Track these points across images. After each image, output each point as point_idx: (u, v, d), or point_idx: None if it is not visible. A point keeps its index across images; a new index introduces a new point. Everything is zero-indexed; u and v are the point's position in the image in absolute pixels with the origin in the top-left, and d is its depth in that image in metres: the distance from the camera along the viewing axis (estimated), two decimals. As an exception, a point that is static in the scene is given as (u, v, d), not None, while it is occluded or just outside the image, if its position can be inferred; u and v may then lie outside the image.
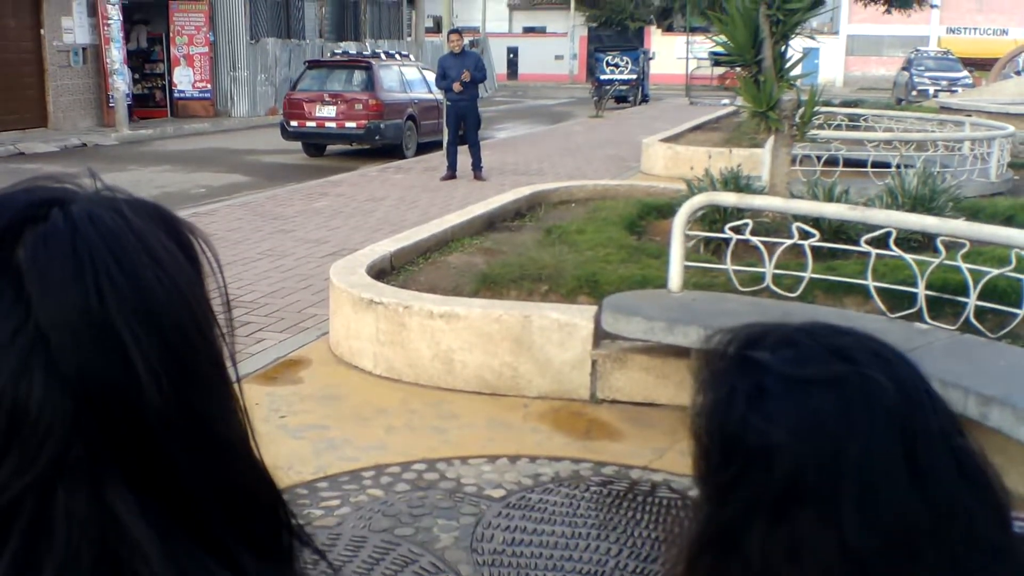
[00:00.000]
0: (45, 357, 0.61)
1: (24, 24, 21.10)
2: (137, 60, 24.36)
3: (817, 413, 0.86)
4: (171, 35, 25.19)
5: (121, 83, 21.29)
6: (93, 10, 22.18)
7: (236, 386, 0.71)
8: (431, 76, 19.58)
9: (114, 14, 20.99)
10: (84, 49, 22.46)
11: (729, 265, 5.64)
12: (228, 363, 0.71)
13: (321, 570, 0.76)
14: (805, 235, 5.47)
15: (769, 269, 5.45)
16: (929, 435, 0.86)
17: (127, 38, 23.23)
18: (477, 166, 14.03)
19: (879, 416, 0.85)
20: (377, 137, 17.23)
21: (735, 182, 7.31)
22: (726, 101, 27.51)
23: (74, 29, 22.15)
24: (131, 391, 0.62)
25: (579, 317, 5.38)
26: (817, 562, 0.85)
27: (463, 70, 13.67)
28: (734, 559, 0.88)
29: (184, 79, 25.36)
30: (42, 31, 21.42)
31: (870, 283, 5.21)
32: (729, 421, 0.89)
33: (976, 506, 0.87)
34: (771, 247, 5.54)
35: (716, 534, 0.90)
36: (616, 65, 33.23)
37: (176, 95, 25.37)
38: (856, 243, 5.47)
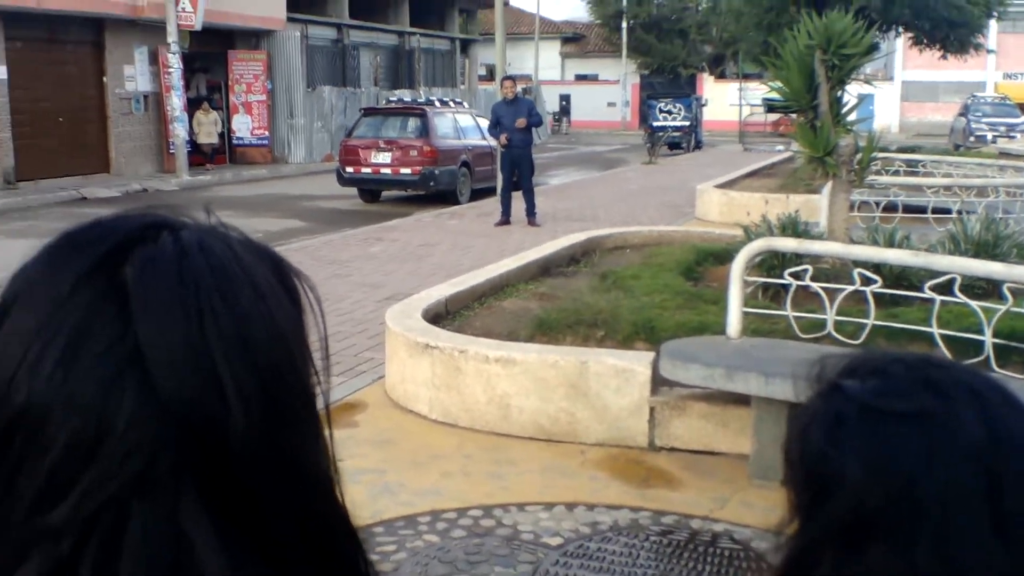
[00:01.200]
0: (139, 375, 0.61)
1: (87, 71, 21.70)
2: (196, 107, 24.87)
3: (893, 447, 0.83)
4: (230, 83, 25.72)
5: (181, 130, 21.74)
6: (154, 58, 22.74)
7: (326, 431, 0.71)
8: (484, 123, 19.81)
9: (175, 63, 21.48)
10: (145, 97, 23.00)
11: (789, 311, 5.56)
12: (320, 405, 0.70)
13: None
14: (867, 281, 5.39)
15: (831, 315, 5.37)
16: (1019, 480, 0.82)
17: (187, 86, 23.75)
18: (531, 212, 14.05)
19: (961, 456, 0.82)
20: (432, 183, 17.37)
21: (793, 227, 7.24)
22: (780, 147, 27.43)
23: (136, 77, 22.72)
24: (219, 419, 0.62)
25: (636, 363, 5.33)
26: None
27: (516, 117, 13.74)
28: None
29: (243, 126, 25.84)
30: (105, 79, 22.00)
31: (935, 330, 5.10)
32: (809, 447, 0.88)
33: None
34: (831, 293, 5.46)
35: (795, 558, 0.89)
36: (669, 112, 33.28)
37: (235, 142, 25.85)
38: (919, 289, 5.38)
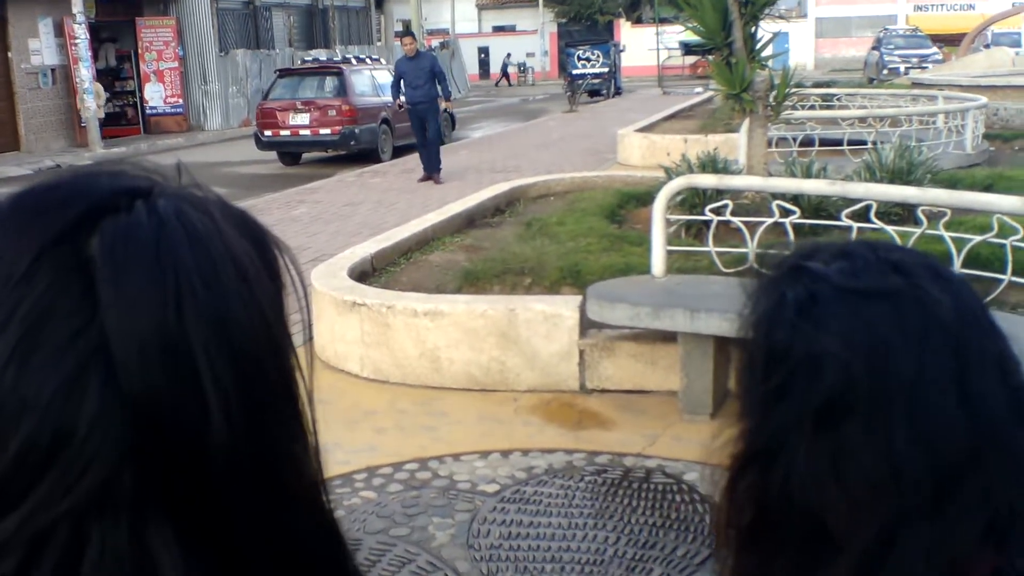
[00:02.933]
0: (105, 370, 0.53)
1: (-10, 47, 20.95)
2: (106, 79, 24.18)
3: (870, 324, 0.83)
4: (140, 52, 25.03)
5: (91, 102, 21.14)
6: (60, 30, 22.03)
7: (310, 421, 0.64)
8: (403, 79, 19.65)
9: (81, 33, 20.83)
10: (53, 70, 22.30)
11: (712, 247, 5.62)
12: (303, 394, 0.63)
13: None
14: (786, 213, 5.45)
15: (752, 248, 5.43)
16: (983, 358, 0.84)
17: (95, 57, 23.06)
18: (435, 168, 13.72)
19: (934, 332, 0.83)
20: (352, 142, 17.17)
21: (712, 165, 7.29)
22: (699, 89, 27.60)
23: (41, 50, 21.99)
24: (196, 420, 0.55)
25: (564, 308, 5.35)
26: (862, 475, 0.82)
27: (419, 73, 13.53)
28: (775, 474, 0.86)
29: (155, 95, 25.20)
30: (9, 54, 21.25)
31: (853, 257, 5.19)
32: (777, 329, 0.87)
33: (1022, 438, 0.84)
34: (752, 227, 5.52)
35: (758, 450, 0.88)
36: (587, 59, 33.24)
37: (148, 112, 25.22)
38: (837, 218, 5.46)
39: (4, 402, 0.53)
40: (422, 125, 13.67)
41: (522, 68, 47.66)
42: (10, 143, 21.04)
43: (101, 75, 23.26)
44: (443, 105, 14.06)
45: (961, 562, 0.82)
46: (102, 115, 21.87)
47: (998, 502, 0.82)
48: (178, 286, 0.55)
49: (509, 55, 48.52)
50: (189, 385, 0.55)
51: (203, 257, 0.57)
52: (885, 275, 0.86)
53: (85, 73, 21.16)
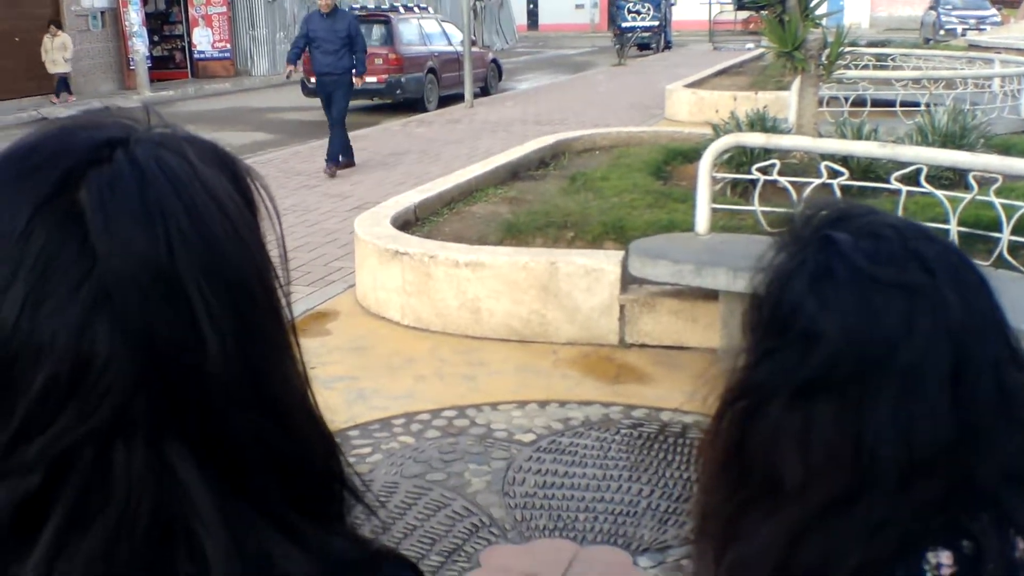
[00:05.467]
0: (110, 311, 0.58)
1: (42, -11, 21.07)
2: (156, 22, 24.26)
3: (876, 314, 0.84)
4: (189, -5, 25.07)
5: (141, 45, 21.24)
6: (110, -28, 22.11)
7: (293, 337, 0.68)
8: (451, 29, 19.52)
9: (131, -25, 20.90)
10: (102, 13, 22.41)
11: (757, 206, 5.57)
12: (286, 313, 0.68)
13: (372, 526, 0.74)
14: (834, 174, 5.39)
15: (797, 209, 5.37)
16: (981, 364, 0.85)
17: (144, 1, 23.13)
18: (334, 157, 10.89)
19: (939, 334, 0.84)
20: (398, 91, 17.14)
21: (761, 123, 7.21)
22: (750, 45, 27.16)
23: (92, -8, 22.09)
24: (195, 349, 0.60)
25: (606, 262, 5.35)
26: (824, 449, 0.85)
27: (333, 36, 10.70)
28: (758, 419, 0.89)
29: (203, 40, 25.25)
30: (61, -5, 21.37)
31: (901, 220, 5.13)
32: (789, 292, 0.88)
33: (1006, 435, 0.86)
34: (799, 187, 5.47)
35: (743, 392, 0.91)
36: (638, 12, 32.77)
37: (196, 56, 25.30)
38: (886, 181, 5.39)
39: (24, 347, 0.58)
40: (328, 100, 10.94)
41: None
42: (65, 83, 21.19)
43: (150, 18, 23.35)
44: (356, 82, 11.03)
45: (913, 540, 0.84)
46: (66, 69, 19.61)
47: (969, 493, 0.84)
48: (166, 228, 0.59)
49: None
50: (185, 318, 0.60)
51: (185, 198, 0.61)
52: (906, 268, 0.86)
53: (134, 16, 21.27)
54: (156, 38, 24.32)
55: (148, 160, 0.61)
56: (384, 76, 16.97)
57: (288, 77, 12.00)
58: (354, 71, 10.95)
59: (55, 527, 0.58)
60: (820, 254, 0.88)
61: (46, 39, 19.48)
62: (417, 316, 5.72)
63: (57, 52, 19.41)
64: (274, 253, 0.69)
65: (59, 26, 19.65)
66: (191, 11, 25.12)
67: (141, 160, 0.61)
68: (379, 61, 17.04)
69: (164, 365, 0.59)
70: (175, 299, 0.59)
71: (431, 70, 17.74)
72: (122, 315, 0.58)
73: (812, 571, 0.85)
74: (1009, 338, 0.88)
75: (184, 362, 0.60)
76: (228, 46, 25.37)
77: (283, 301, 0.68)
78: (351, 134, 13.75)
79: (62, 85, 19.64)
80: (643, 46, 31.49)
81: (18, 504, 0.58)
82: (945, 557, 0.84)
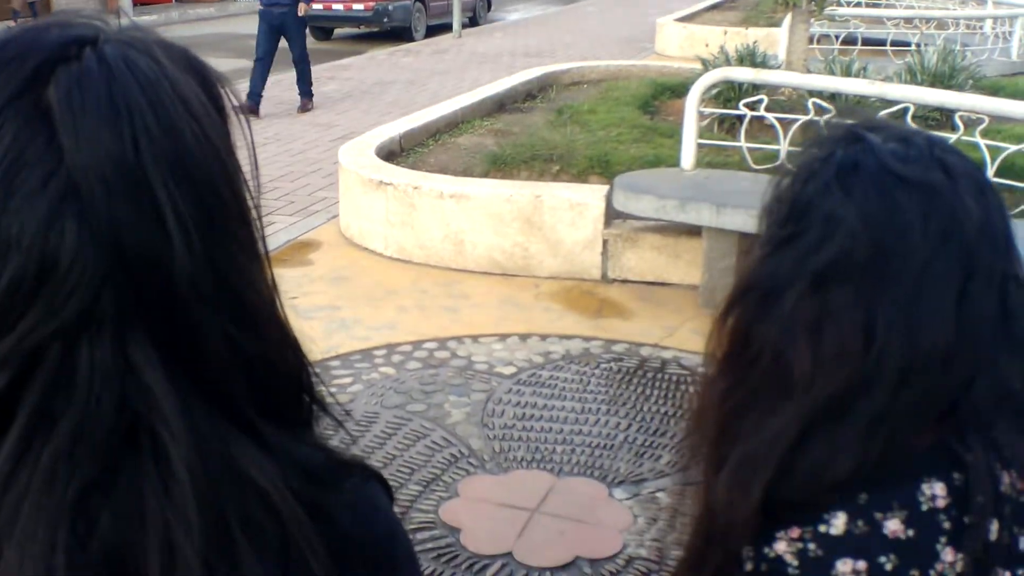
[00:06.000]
0: (77, 207, 0.58)
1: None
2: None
3: (897, 208, 0.87)
4: (173, -84, 24.53)
5: (124, -34, 20.83)
6: None
7: (262, 245, 0.69)
8: (440, -45, 19.14)
9: None
10: (85, -69, 21.92)
11: (743, 143, 5.55)
12: (255, 221, 0.68)
13: (339, 439, 0.74)
14: (821, 111, 5.36)
15: (784, 146, 5.36)
16: (989, 273, 0.88)
17: (128, -81, 22.61)
18: (306, 91, 10.41)
19: (954, 236, 0.87)
20: (385, 19, 16.89)
21: (751, 59, 7.15)
22: (743, -20, 26.82)
23: (74, -90, 21.59)
24: (161, 247, 0.60)
25: (590, 196, 5.33)
26: (836, 339, 0.87)
27: None
28: (764, 311, 0.91)
29: (188, -38, 24.77)
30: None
31: (886, 160, 5.12)
32: (813, 183, 0.91)
33: (1004, 353, 0.88)
34: (786, 124, 5.44)
35: (753, 284, 0.93)
36: (630, -56, 32.29)
37: (180, -21, 24.82)
38: (873, 119, 5.36)
39: None
40: (274, 36, 10.07)
41: None
42: (42, 7, 20.83)
43: (134, -62, 22.84)
44: (301, 8, 10.09)
45: (903, 437, 0.87)
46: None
47: (962, 399, 0.87)
48: (132, 126, 0.59)
49: None
50: (151, 216, 0.59)
51: (151, 96, 0.61)
52: (931, 170, 0.89)
53: (117, -64, 20.79)
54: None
55: (116, 59, 0.61)
56: (371, 3, 16.74)
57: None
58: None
59: (20, 426, 0.59)
60: (849, 148, 0.91)
61: None
62: (400, 247, 5.71)
63: None
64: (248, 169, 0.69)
65: None
66: (175, -68, 24.60)
67: (109, 58, 0.61)
68: (366, -12, 16.80)
69: (130, 262, 0.59)
70: (141, 196, 0.59)
71: (419, -2, 17.48)
72: (89, 211, 0.58)
73: (814, 469, 0.87)
74: (1016, 260, 0.91)
75: (150, 259, 0.60)
76: (213, -31, 24.89)
77: (253, 209, 0.67)
78: (335, 62, 13.55)
79: (32, 11, 17.96)
80: (635, -22, 31.05)
81: None
82: (939, 488, 0.86)
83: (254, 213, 0.68)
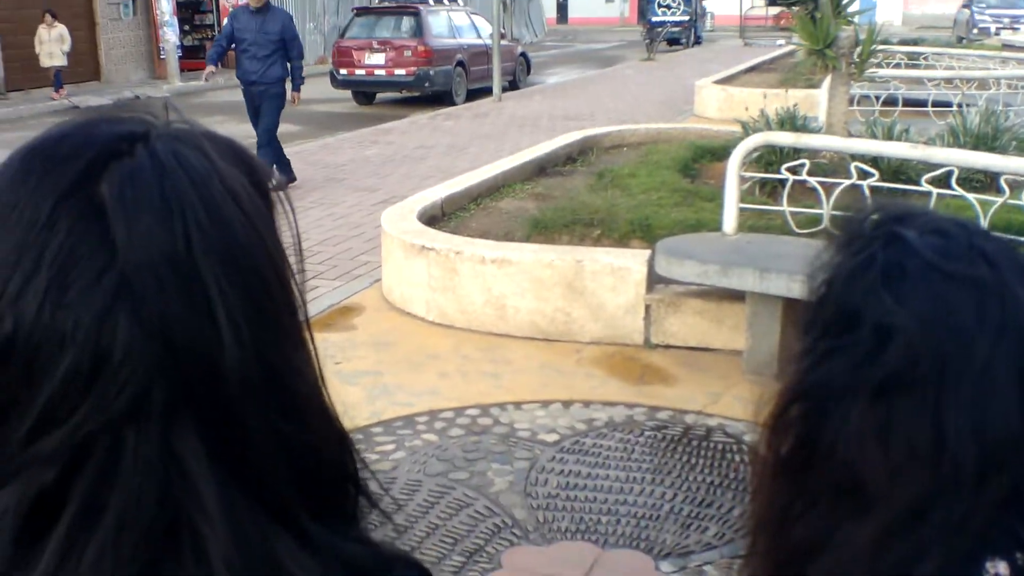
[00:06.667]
0: (130, 301, 0.59)
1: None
2: (186, 11, 24.39)
3: (951, 308, 0.85)
4: (220, -15, 25.18)
5: (171, 35, 21.37)
6: (142, -39, 22.25)
7: (307, 332, 0.69)
8: (480, 21, 19.48)
9: (164, -35, 21.03)
10: (133, 1, 22.55)
11: (785, 207, 5.53)
12: (300, 308, 0.69)
13: (386, 532, 0.74)
14: (864, 175, 5.34)
15: (827, 210, 5.33)
16: None
17: (177, -11, 23.26)
18: (283, 168, 9.50)
19: (1010, 327, 0.85)
20: (427, 84, 17.15)
21: (791, 122, 7.16)
22: (781, 42, 26.99)
23: (123, -19, 22.24)
24: (211, 339, 0.60)
25: (632, 261, 5.32)
26: (907, 447, 0.85)
27: (262, 37, 9.09)
28: (824, 420, 0.88)
29: (234, 29, 25.35)
30: (93, -16, 21.54)
31: (931, 224, 5.07)
32: (857, 289, 0.88)
33: None
34: (829, 188, 5.42)
35: (807, 389, 0.91)
36: (668, 7, 32.62)
37: (226, 46, 25.40)
38: (917, 183, 5.33)
39: (46, 336, 0.59)
40: (256, 111, 9.40)
41: (703, 11, 37.45)
42: (91, 73, 21.39)
43: (181, 7, 23.48)
44: (292, 98, 9.54)
45: (981, 544, 0.84)
46: (61, 62, 18.12)
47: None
48: (184, 221, 0.60)
49: None
50: (202, 309, 0.60)
51: (203, 191, 0.62)
52: (975, 263, 0.87)
53: (166, 5, 21.40)
54: (187, 27, 24.45)
55: (167, 154, 0.62)
56: (413, 69, 17.02)
57: (206, 79, 10.20)
58: (290, 84, 9.40)
59: (67, 523, 0.59)
60: (889, 250, 0.88)
61: (41, 30, 17.91)
62: (442, 312, 5.72)
63: (54, 44, 17.98)
64: (291, 251, 0.69)
65: (55, 16, 18.15)
66: (222, 1, 25.23)
67: (160, 154, 0.62)
68: (408, 53, 17.11)
69: (181, 355, 0.60)
70: (192, 290, 0.60)
71: (460, 63, 17.75)
72: (141, 306, 0.59)
73: (897, 573, 0.85)
74: None
75: (200, 352, 0.60)
76: (258, 36, 25.44)
77: (298, 297, 0.68)
78: (377, 126, 13.73)
79: (58, 79, 18.22)
80: (673, 41, 31.36)
81: (32, 501, 0.59)
82: (1003, 568, 0.84)
83: (299, 300, 0.68)
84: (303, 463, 0.66)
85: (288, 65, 9.32)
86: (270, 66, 9.15)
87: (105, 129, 0.64)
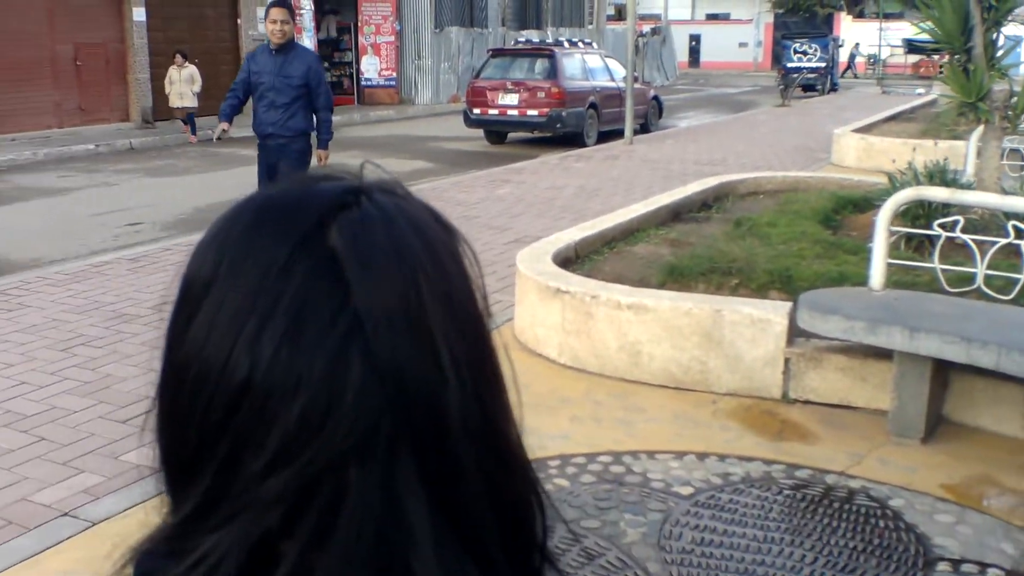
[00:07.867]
0: (363, 343, 0.61)
1: (222, 14, 22.20)
2: (327, 49, 25.19)
3: None
4: (359, 25, 25.94)
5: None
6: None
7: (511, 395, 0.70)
8: (613, 64, 19.53)
9: (306, 4, 21.81)
10: (279, 38, 23.34)
11: (937, 263, 5.34)
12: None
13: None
14: (1021, 234, 5.12)
15: (981, 269, 5.13)
16: None
17: (318, 28, 24.04)
18: None
19: None
20: (559, 125, 17.26)
21: (941, 176, 6.93)
22: (920, 90, 26.32)
23: (270, 19, 23.06)
24: (436, 382, 0.62)
25: (773, 313, 5.20)
26: None
27: (283, 81, 7.48)
28: None
29: (371, 67, 26.08)
30: (239, 21, 22.42)
31: (1095, 287, 4.83)
32: None
33: None
34: (982, 246, 5.21)
35: None
36: (804, 52, 32.21)
37: (363, 83, 26.12)
38: (1078, 243, 5.09)
39: (282, 377, 0.60)
40: (271, 170, 7.72)
41: (872, 60, 42.09)
42: (237, 106, 22.15)
43: (321, 45, 24.24)
44: (319, 156, 7.76)
45: None
46: (192, 103, 17.80)
47: None
48: (413, 268, 0.63)
49: (857, 45, 44.07)
50: (429, 352, 0.62)
51: (425, 240, 0.65)
52: None
53: (308, 43, 22.09)
54: (326, 64, 25.17)
55: (388, 205, 0.65)
56: (546, 110, 17.16)
57: (218, 138, 8.41)
58: (316, 139, 7.74)
59: (290, 562, 0.60)
60: None
61: (172, 70, 17.77)
62: (575, 355, 5.69)
63: (185, 84, 17.65)
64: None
65: (186, 56, 18.02)
66: (361, 39, 25.98)
67: (384, 206, 0.65)
68: (541, 95, 17.26)
69: (408, 397, 0.61)
70: (421, 333, 0.62)
71: (592, 105, 17.81)
72: (373, 347, 0.61)
73: None
74: None
75: (427, 394, 0.62)
76: (394, 74, 26.12)
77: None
78: (509, 166, 13.86)
79: (191, 122, 17.91)
80: (808, 87, 30.89)
81: (253, 544, 0.60)
82: None
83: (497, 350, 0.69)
84: (508, 515, 0.66)
85: (314, 117, 7.72)
86: (291, 116, 7.53)
87: (328, 185, 0.67)
